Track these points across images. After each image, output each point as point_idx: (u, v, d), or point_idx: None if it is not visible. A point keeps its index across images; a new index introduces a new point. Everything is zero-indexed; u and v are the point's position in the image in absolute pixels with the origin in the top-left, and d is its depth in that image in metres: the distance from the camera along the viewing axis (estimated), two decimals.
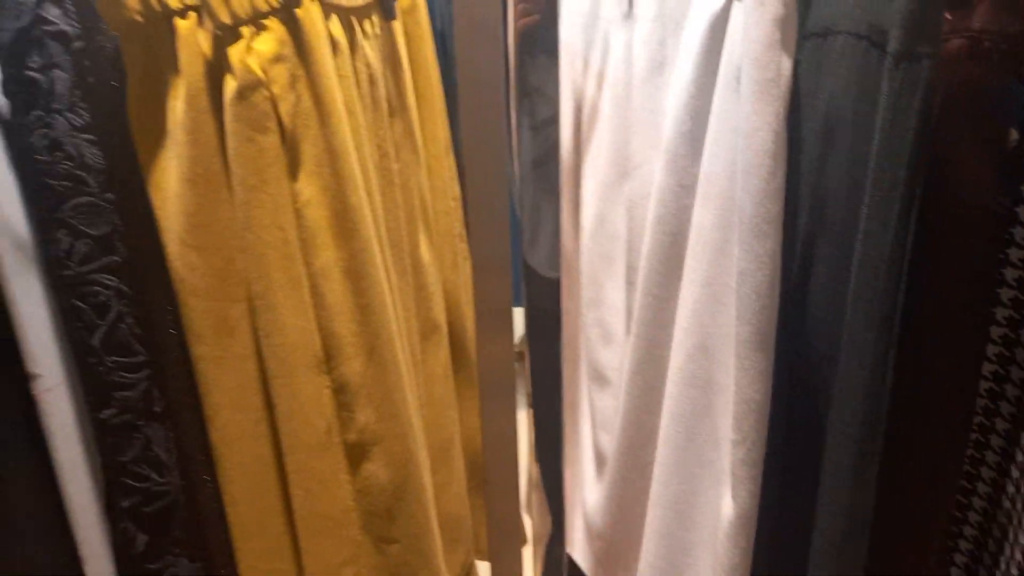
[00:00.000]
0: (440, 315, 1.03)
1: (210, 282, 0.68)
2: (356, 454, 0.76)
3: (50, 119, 0.67)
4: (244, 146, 0.62)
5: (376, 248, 0.71)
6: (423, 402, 1.02)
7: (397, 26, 0.91)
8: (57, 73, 0.66)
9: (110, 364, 0.74)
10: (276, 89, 0.63)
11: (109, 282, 0.72)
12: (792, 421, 0.66)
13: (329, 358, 0.72)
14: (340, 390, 0.73)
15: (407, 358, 0.93)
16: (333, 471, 0.74)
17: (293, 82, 0.64)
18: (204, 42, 0.62)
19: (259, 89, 0.62)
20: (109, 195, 0.71)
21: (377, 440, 0.75)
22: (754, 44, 0.56)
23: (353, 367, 0.72)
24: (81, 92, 0.68)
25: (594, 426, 1.00)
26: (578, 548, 1.05)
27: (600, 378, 0.98)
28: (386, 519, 0.78)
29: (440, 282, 1.04)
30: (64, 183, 0.68)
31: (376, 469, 0.76)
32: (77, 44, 0.67)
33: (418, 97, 0.99)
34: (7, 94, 0.66)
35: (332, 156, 0.67)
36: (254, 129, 0.62)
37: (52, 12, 0.65)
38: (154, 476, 0.79)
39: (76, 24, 0.67)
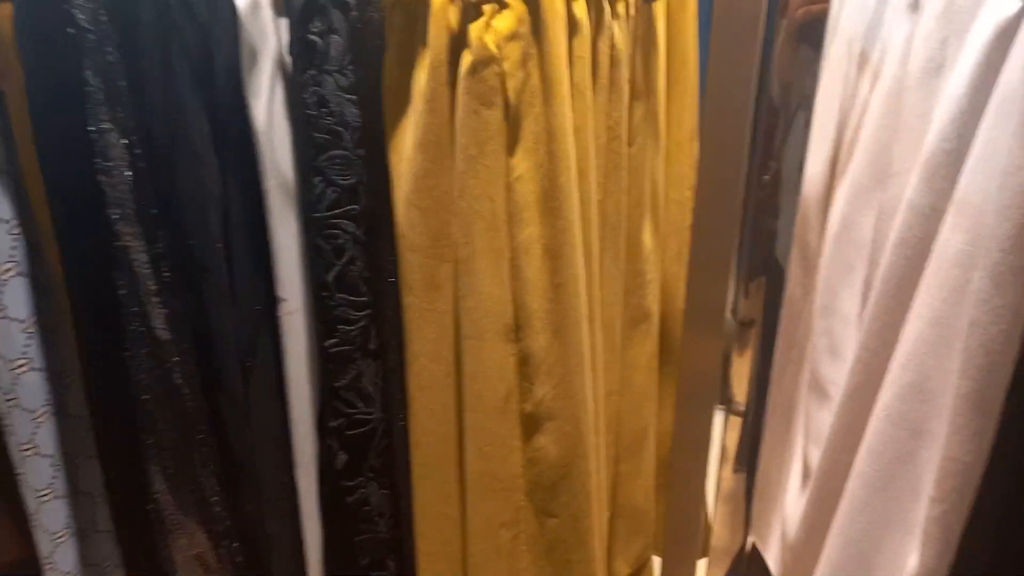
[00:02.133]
0: (653, 304, 1.02)
1: (426, 240, 0.74)
2: (530, 425, 0.79)
3: (321, 78, 0.77)
4: (470, 118, 0.67)
5: (578, 230, 0.73)
6: (620, 389, 1.02)
7: (659, 7, 0.91)
8: (334, 38, 0.76)
9: (339, 300, 0.84)
10: (507, 66, 0.66)
11: (348, 228, 0.82)
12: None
13: (518, 328, 0.75)
14: (524, 361, 0.76)
15: (602, 342, 0.94)
16: (507, 436, 0.78)
17: (524, 60, 0.67)
18: (452, 17, 0.67)
19: (491, 65, 0.65)
20: (360, 151, 0.80)
21: (551, 415, 0.77)
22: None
23: (539, 341, 0.75)
24: (351, 56, 0.77)
25: (807, 438, 0.93)
26: (771, 553, 1.00)
27: (820, 391, 0.91)
28: (549, 493, 0.80)
29: (659, 271, 1.03)
30: (325, 136, 0.78)
31: (547, 443, 0.78)
32: (354, 13, 0.76)
33: (671, 81, 0.98)
34: (292, 53, 0.77)
35: (550, 135, 0.69)
36: (481, 102, 0.66)
37: None
38: (360, 405, 0.89)
39: None
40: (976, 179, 0.57)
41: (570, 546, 0.81)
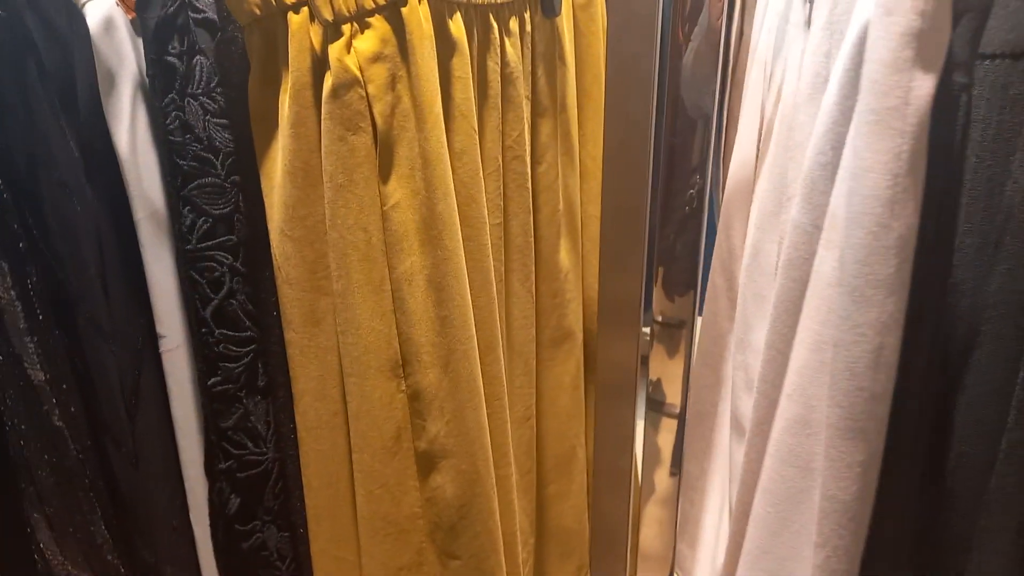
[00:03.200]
0: (575, 323, 0.99)
1: (302, 273, 0.70)
2: (426, 464, 0.74)
3: (184, 103, 0.71)
4: (335, 144, 0.62)
5: (461, 259, 0.69)
6: (542, 411, 0.99)
7: (563, 22, 0.88)
8: (198, 59, 0.71)
9: (219, 336, 0.79)
10: (372, 89, 0.62)
11: (224, 259, 0.77)
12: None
13: (405, 363, 0.71)
14: (414, 397, 0.72)
15: (515, 367, 0.90)
16: (400, 477, 0.73)
17: (392, 82, 0.63)
18: (313, 38, 0.62)
19: (355, 88, 0.61)
20: (234, 178, 0.75)
21: (446, 454, 0.73)
22: (875, 64, 0.45)
23: (428, 377, 0.70)
24: (219, 78, 0.72)
25: (731, 478, 0.91)
26: None
27: (739, 428, 0.89)
28: (450, 534, 0.76)
29: (580, 289, 1.00)
30: (192, 163, 0.73)
31: (443, 482, 0.74)
32: (220, 33, 0.71)
33: (583, 96, 0.95)
34: (149, 76, 0.72)
35: (425, 161, 0.65)
36: (346, 128, 0.62)
37: (201, 1, 0.69)
38: (250, 445, 0.83)
39: (220, 13, 0.70)
40: (839, 189, 0.55)
41: None
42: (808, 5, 0.73)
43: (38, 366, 0.86)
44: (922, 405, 0.54)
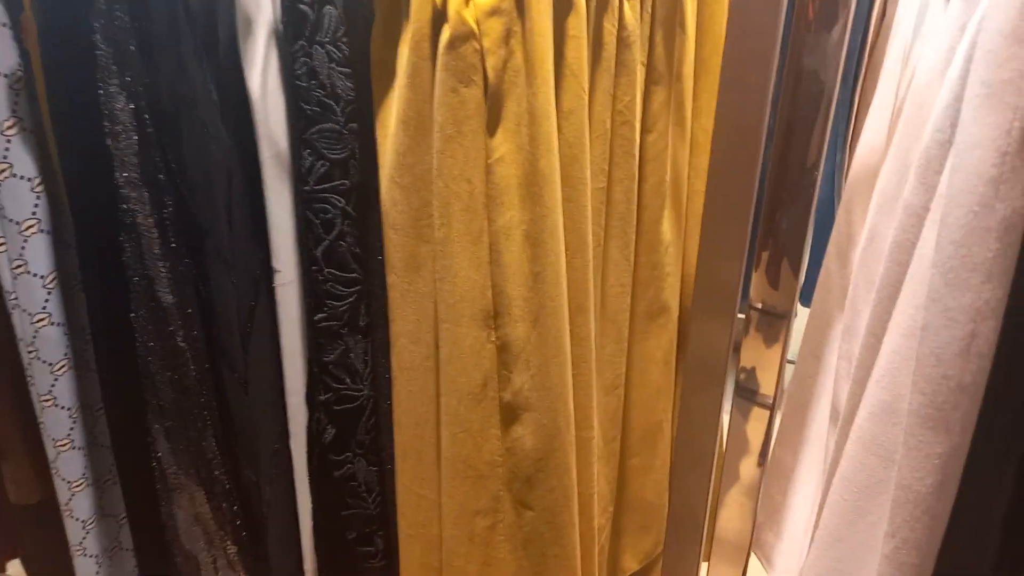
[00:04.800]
0: (672, 298, 0.98)
1: (407, 219, 0.73)
2: (509, 414, 0.77)
3: (311, 49, 0.75)
4: (447, 96, 0.64)
5: (559, 218, 0.70)
6: (633, 382, 0.99)
7: None
8: (327, 8, 0.74)
9: (327, 275, 0.84)
10: (487, 43, 0.63)
11: (337, 202, 0.81)
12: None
13: (497, 315, 0.73)
14: (503, 348, 0.74)
15: (606, 334, 0.91)
16: (483, 424, 0.76)
17: (506, 37, 0.64)
18: None
19: (470, 41, 0.63)
20: (352, 125, 0.78)
21: (528, 406, 0.75)
22: (991, 34, 0.42)
23: (517, 329, 0.72)
24: (345, 28, 0.75)
25: (826, 469, 0.89)
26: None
27: (836, 418, 0.87)
28: (526, 485, 0.78)
29: (679, 264, 0.99)
30: (315, 108, 0.77)
31: (524, 434, 0.76)
32: None
33: (701, 66, 0.93)
34: (282, 23, 0.76)
35: (532, 117, 0.66)
36: (459, 80, 0.64)
37: None
38: (347, 380, 0.88)
39: None
40: (948, 166, 0.52)
41: (547, 540, 0.80)
42: None
43: (168, 290, 0.94)
44: (1022, 402, 0.51)
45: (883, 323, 0.63)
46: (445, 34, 0.63)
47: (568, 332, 0.73)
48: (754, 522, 1.06)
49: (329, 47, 0.75)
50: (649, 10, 0.82)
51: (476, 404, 0.73)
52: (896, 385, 0.56)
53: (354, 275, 0.84)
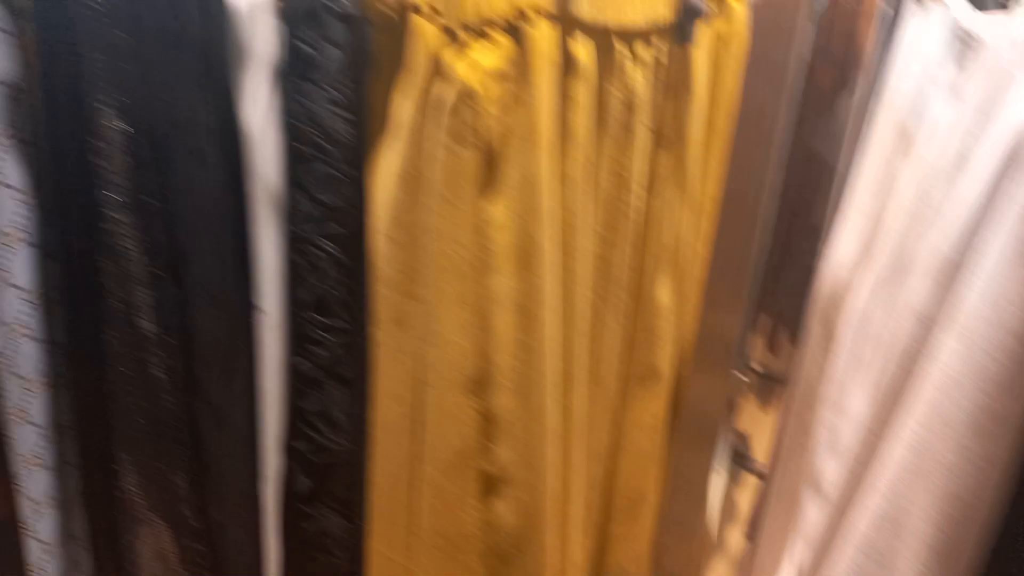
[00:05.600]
0: (664, 363, 0.95)
1: (398, 275, 0.69)
2: (489, 486, 0.73)
3: (308, 88, 0.72)
4: (446, 156, 0.61)
5: (553, 287, 0.66)
6: (619, 448, 0.96)
7: (698, 52, 0.83)
8: (331, 49, 0.71)
9: (310, 319, 0.80)
10: (489, 106, 0.60)
11: (327, 247, 0.77)
12: None
13: (483, 383, 0.69)
14: (488, 418, 0.71)
15: (594, 400, 0.87)
16: (462, 494, 0.72)
17: (507, 101, 0.61)
18: (436, 44, 0.61)
19: (472, 102, 0.60)
20: (347, 170, 0.75)
21: (510, 481, 0.71)
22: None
23: (502, 400, 0.69)
24: (348, 70, 0.72)
25: (799, 532, 0.85)
26: None
27: (815, 486, 0.83)
28: (502, 562, 0.74)
29: (675, 329, 0.95)
30: (309, 149, 0.74)
31: (504, 510, 0.72)
32: (354, 27, 0.71)
33: (711, 132, 0.90)
34: (281, 59, 0.73)
35: (530, 184, 0.63)
36: (458, 141, 0.60)
37: None
38: (326, 431, 0.84)
39: (356, 8, 0.70)
40: (984, 291, 0.49)
41: None
42: (959, 71, 0.66)
43: (150, 317, 0.91)
44: None
45: (884, 424, 0.60)
46: (447, 94, 0.60)
47: (556, 405, 0.69)
48: None
49: (329, 89, 0.72)
50: (658, 74, 0.79)
51: (456, 473, 0.70)
52: (899, 499, 0.53)
53: (338, 322, 0.80)
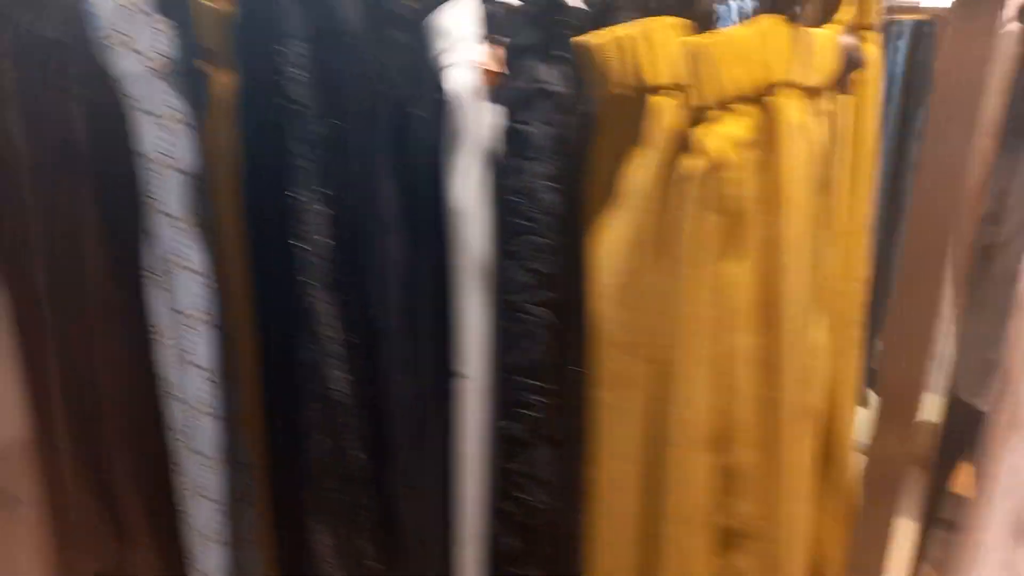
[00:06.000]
0: (816, 402, 0.95)
1: (627, 337, 0.71)
2: (728, 541, 0.74)
3: (525, 165, 0.75)
4: (696, 223, 0.63)
5: (796, 343, 0.68)
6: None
7: (848, 99, 0.85)
8: (544, 127, 0.74)
9: (521, 383, 0.82)
10: (739, 173, 0.63)
11: (539, 312, 0.80)
12: None
13: (722, 439, 0.71)
14: (727, 473, 0.72)
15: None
16: (702, 548, 0.73)
17: (757, 167, 0.63)
18: (678, 120, 0.64)
19: (724, 171, 0.62)
20: (560, 238, 0.78)
21: (752, 534, 0.72)
22: None
23: (746, 455, 0.70)
24: (558, 146, 0.75)
25: None
26: None
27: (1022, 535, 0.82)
28: None
29: (826, 369, 0.96)
30: (524, 221, 0.77)
31: (745, 563, 0.73)
32: (566, 104, 0.74)
33: (853, 170, 0.92)
34: (501, 140, 0.76)
35: (775, 244, 0.65)
36: (710, 208, 0.63)
37: (552, 75, 0.73)
38: (535, 491, 0.86)
39: (568, 87, 0.74)
40: None
41: None
42: None
43: (344, 385, 0.94)
44: None
45: None
46: (697, 164, 0.62)
47: (794, 457, 0.70)
48: None
49: (543, 164, 0.75)
50: (827, 127, 0.81)
51: (696, 528, 0.71)
52: None
53: (549, 385, 0.82)
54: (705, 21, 0.65)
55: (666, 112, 0.64)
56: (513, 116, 0.74)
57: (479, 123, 0.77)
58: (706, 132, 0.61)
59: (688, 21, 0.65)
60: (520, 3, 0.75)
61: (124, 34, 0.85)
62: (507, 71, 0.75)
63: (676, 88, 0.63)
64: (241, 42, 0.84)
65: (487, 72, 0.77)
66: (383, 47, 0.82)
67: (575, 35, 0.74)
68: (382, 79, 0.81)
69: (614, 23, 0.72)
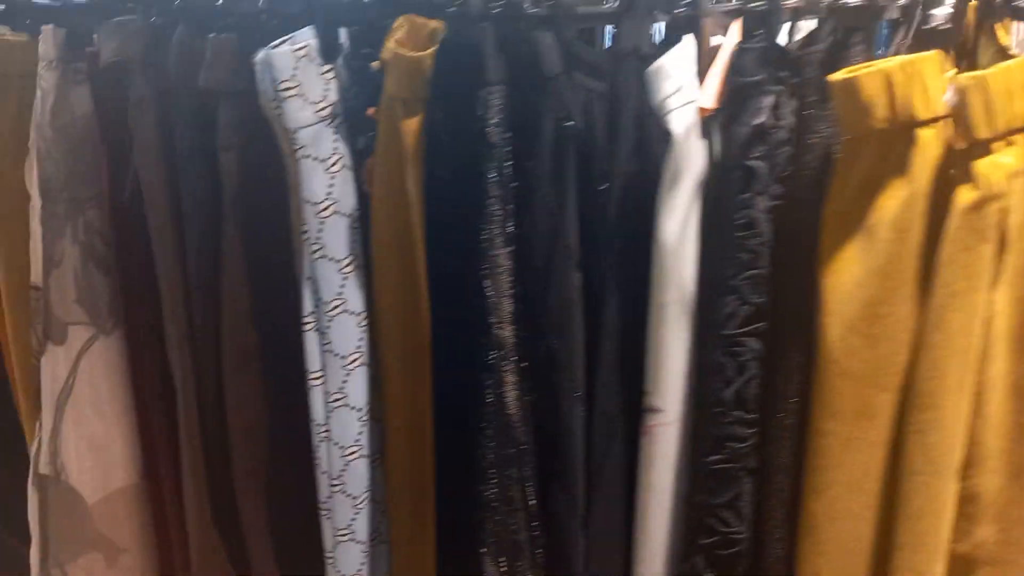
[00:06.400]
0: None
1: (866, 368, 0.72)
2: (964, 567, 0.74)
3: (754, 200, 0.77)
4: (962, 253, 0.65)
5: None
6: None
7: None
8: (770, 163, 0.76)
9: (733, 417, 0.83)
10: (1010, 202, 0.64)
11: (754, 345, 0.80)
12: None
13: (969, 466, 0.71)
14: (967, 500, 0.72)
15: None
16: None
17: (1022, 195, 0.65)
18: (941, 150, 0.66)
19: (995, 201, 0.64)
20: (777, 268, 0.79)
21: (992, 560, 0.73)
22: None
23: (991, 481, 0.71)
24: (783, 180, 0.77)
25: None
26: None
27: None
28: None
29: None
30: (748, 255, 0.78)
31: None
32: (791, 139, 0.76)
33: None
34: (729, 177, 0.77)
35: None
36: (978, 238, 0.64)
37: (784, 111, 0.75)
38: (735, 524, 0.86)
39: (794, 122, 0.76)
40: None
41: None
42: None
43: (520, 423, 0.93)
44: None
45: None
46: (967, 195, 0.64)
47: None
48: None
49: (765, 199, 0.77)
50: None
51: (938, 556, 0.71)
52: None
53: (757, 415, 0.83)
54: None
55: (933, 145, 0.66)
56: (746, 152, 0.75)
57: (698, 159, 0.78)
58: (988, 164, 0.63)
59: (944, 53, 0.67)
60: (744, 43, 0.77)
61: (298, 84, 0.86)
62: (730, 107, 0.77)
63: (943, 120, 0.65)
64: (437, 89, 0.85)
65: (703, 110, 0.78)
66: (577, 93, 0.83)
67: (799, 71, 0.76)
68: (577, 122, 0.82)
69: (844, 62, 0.75)
